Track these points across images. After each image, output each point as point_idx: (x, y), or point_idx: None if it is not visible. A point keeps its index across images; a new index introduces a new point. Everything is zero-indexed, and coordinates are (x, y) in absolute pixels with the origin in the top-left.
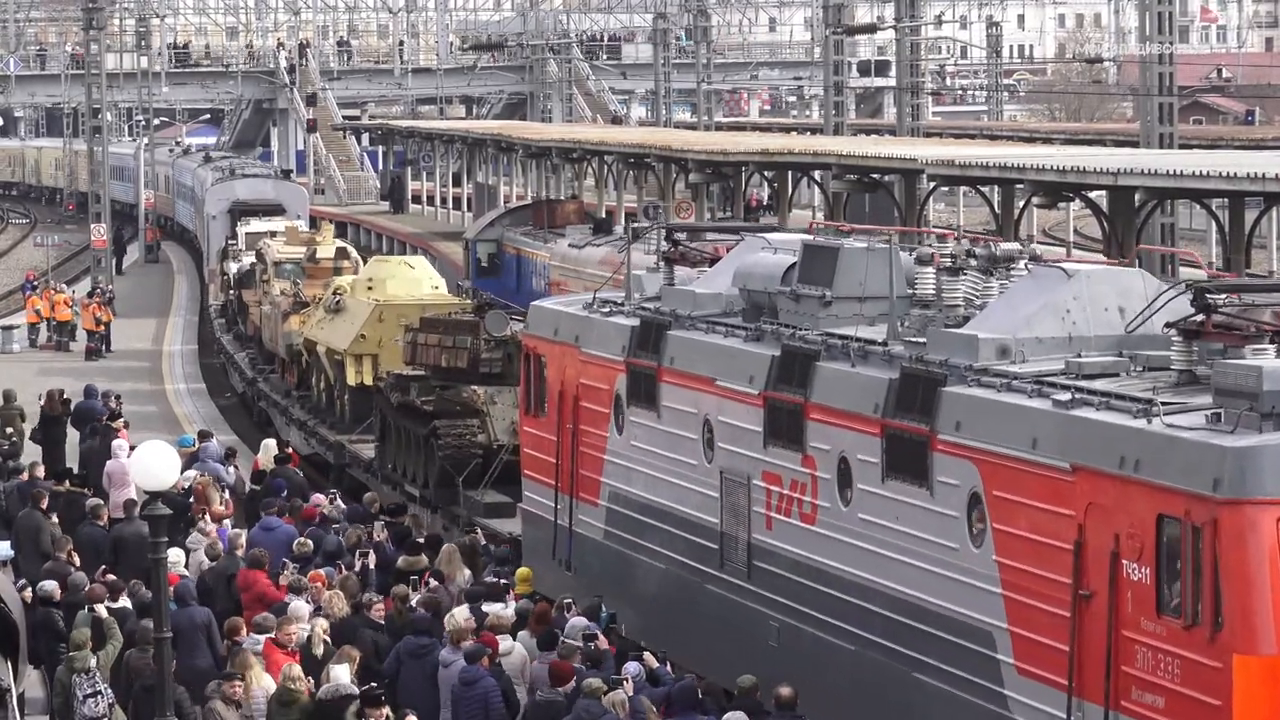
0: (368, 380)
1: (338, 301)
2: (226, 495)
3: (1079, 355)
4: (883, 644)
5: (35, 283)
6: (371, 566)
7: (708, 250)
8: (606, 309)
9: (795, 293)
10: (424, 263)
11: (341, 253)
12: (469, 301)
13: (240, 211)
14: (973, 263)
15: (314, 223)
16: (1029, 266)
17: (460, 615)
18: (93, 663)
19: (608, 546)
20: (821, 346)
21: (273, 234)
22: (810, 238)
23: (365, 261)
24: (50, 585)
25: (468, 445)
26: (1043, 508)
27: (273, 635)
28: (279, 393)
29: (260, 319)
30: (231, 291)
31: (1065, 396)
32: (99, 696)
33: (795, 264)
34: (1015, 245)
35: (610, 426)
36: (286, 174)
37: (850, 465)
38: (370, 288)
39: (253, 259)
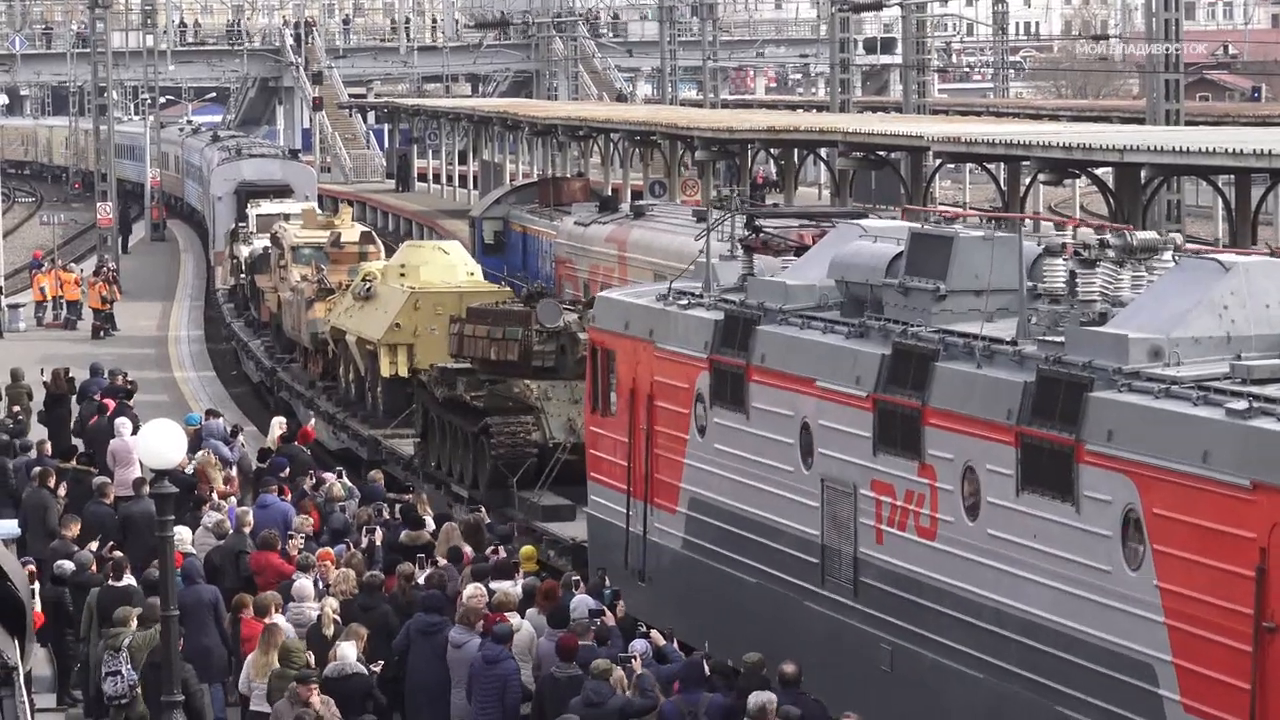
0: (403, 371)
1: (368, 289)
2: (233, 473)
3: (1239, 357)
4: (1019, 673)
5: (43, 261)
6: (379, 543)
7: (792, 238)
8: (684, 301)
9: (904, 285)
10: (458, 248)
11: (366, 237)
12: (508, 289)
13: (247, 193)
14: (1109, 253)
15: (322, 202)
16: (1177, 258)
17: (469, 594)
18: (125, 642)
19: (688, 557)
20: (940, 345)
21: (287, 217)
22: (918, 225)
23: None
24: (67, 565)
25: (522, 444)
26: (1216, 529)
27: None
28: (301, 383)
29: (279, 305)
30: (243, 276)
31: (1241, 405)
32: (118, 677)
33: (901, 254)
34: (1154, 234)
35: (690, 428)
36: (294, 154)
37: (978, 476)
38: (403, 274)
39: (266, 243)
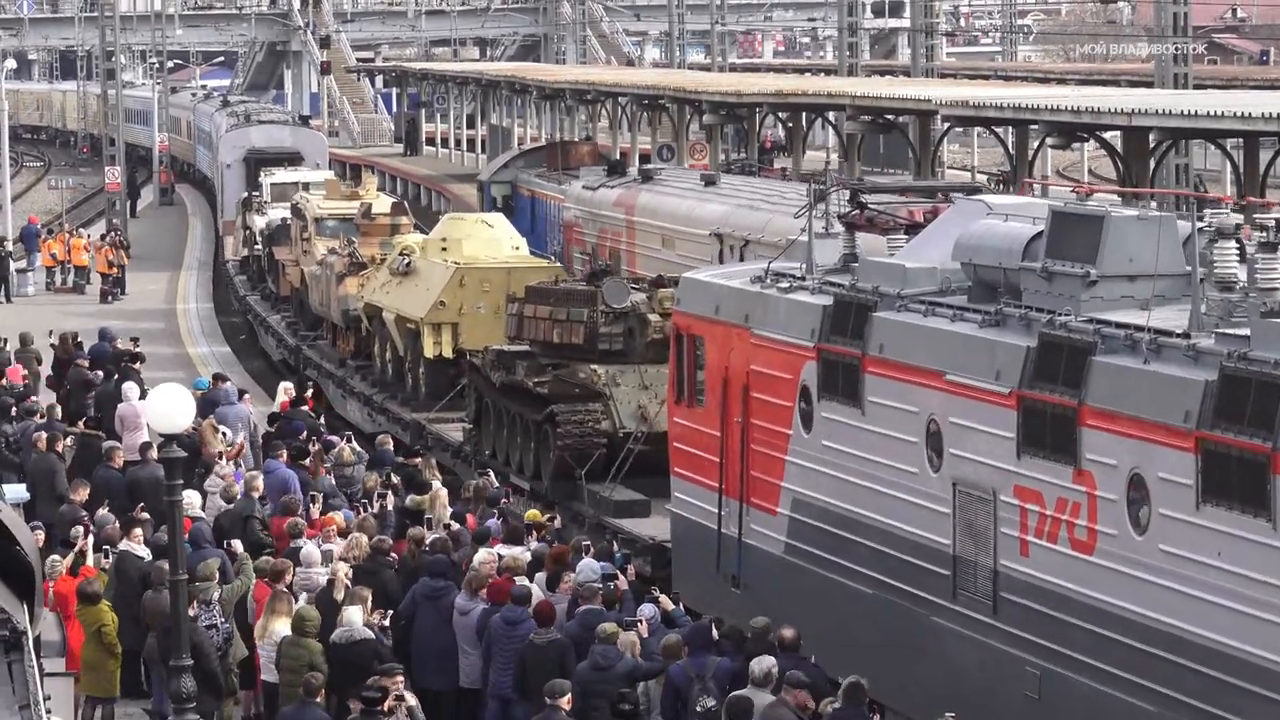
0: (447, 352)
1: (407, 263)
2: (239, 438)
3: None
4: (1197, 706)
5: (51, 227)
6: (390, 508)
7: (901, 214)
8: (785, 284)
9: (1047, 269)
10: (503, 220)
11: (398, 208)
12: (557, 264)
13: (256, 160)
14: None
15: (330, 167)
16: None
17: (480, 559)
18: (215, 595)
19: (792, 563)
20: (1096, 337)
21: (307, 186)
22: (1060, 203)
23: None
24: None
25: (590, 434)
26: None
27: (266, 578)
28: (331, 361)
29: (304, 279)
30: (257, 247)
31: None
32: (216, 630)
33: (1040, 234)
34: None
35: (794, 422)
36: (305, 120)
37: (1147, 485)
38: (445, 248)
39: (284, 213)
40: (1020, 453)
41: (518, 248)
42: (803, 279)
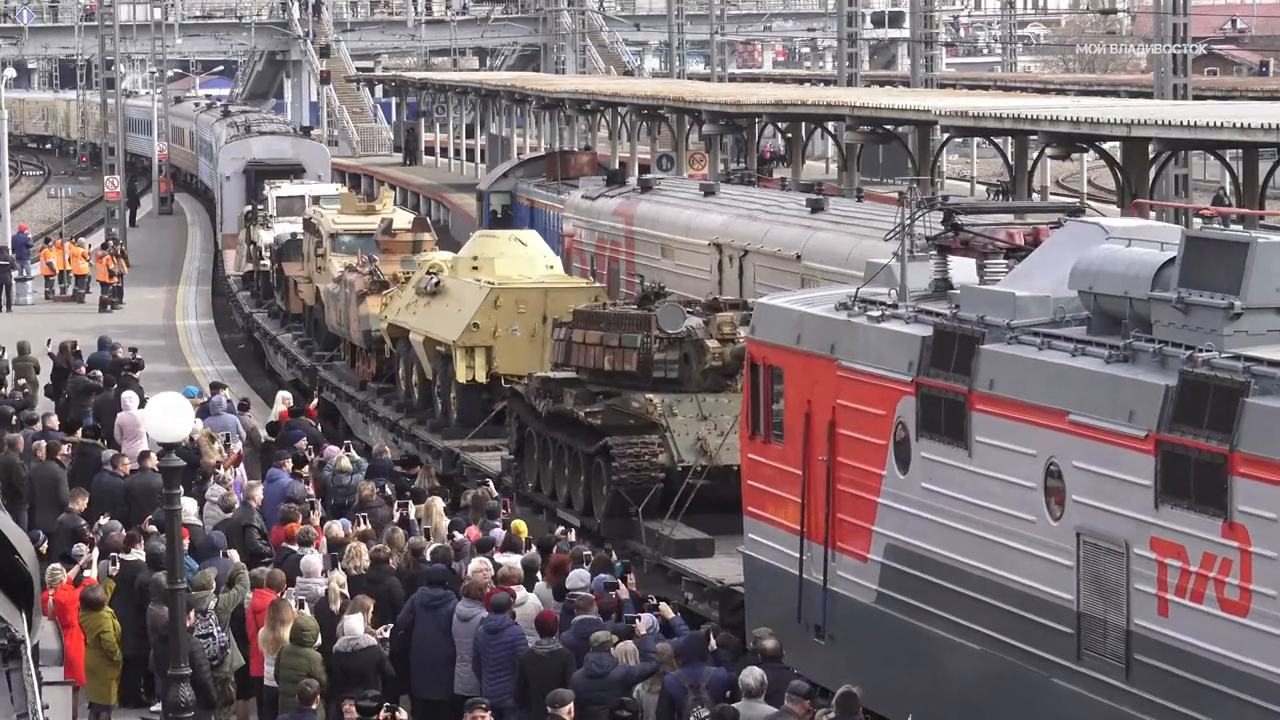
0: (480, 377)
1: (436, 283)
2: (236, 446)
3: None
4: None
5: (49, 236)
6: (412, 517)
7: (1000, 237)
8: (876, 312)
9: (1183, 300)
10: (536, 238)
11: (420, 224)
12: (599, 285)
13: (256, 172)
14: None
15: (340, 179)
16: None
17: (474, 568)
18: (211, 604)
19: (884, 614)
20: (1248, 376)
21: (317, 199)
22: (1190, 229)
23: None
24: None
25: (647, 467)
26: None
27: (262, 585)
28: (350, 384)
29: (319, 297)
30: (263, 263)
31: None
32: (212, 639)
33: (1172, 261)
34: None
35: (888, 462)
36: (306, 131)
37: None
38: (476, 267)
39: (293, 228)
40: (1159, 502)
41: (551, 266)
42: (895, 306)
